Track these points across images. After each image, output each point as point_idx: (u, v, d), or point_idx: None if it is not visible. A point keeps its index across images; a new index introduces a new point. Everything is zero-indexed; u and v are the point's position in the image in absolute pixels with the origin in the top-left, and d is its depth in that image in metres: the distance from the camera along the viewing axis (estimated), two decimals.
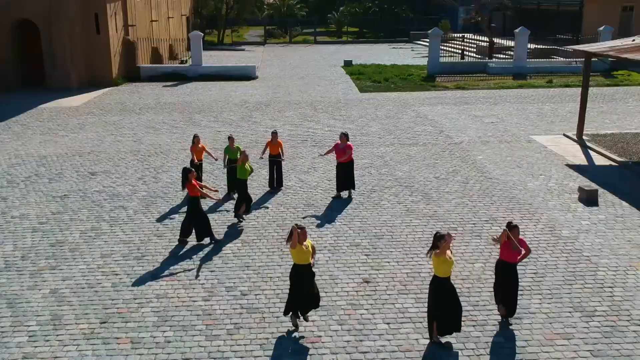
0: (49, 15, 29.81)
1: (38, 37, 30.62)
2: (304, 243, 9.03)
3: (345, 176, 14.91)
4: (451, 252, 8.77)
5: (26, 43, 31.42)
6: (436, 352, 8.75)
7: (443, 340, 8.90)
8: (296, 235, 8.92)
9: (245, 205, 13.63)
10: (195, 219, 12.38)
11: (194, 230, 12.47)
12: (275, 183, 15.76)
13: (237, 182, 13.72)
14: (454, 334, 8.99)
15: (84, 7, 30.61)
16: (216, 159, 16.23)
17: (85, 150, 19.55)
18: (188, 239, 12.51)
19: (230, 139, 15.34)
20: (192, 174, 12.30)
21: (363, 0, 64.59)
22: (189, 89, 31.13)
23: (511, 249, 9.14)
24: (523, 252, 9.27)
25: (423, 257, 11.68)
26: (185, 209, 14.41)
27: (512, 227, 9.07)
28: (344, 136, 14.87)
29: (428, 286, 9.07)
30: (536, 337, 9.07)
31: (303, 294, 9.17)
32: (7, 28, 30.16)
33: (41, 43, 30.50)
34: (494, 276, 9.66)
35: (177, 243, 12.49)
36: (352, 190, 15.19)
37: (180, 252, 12.09)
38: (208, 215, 14.05)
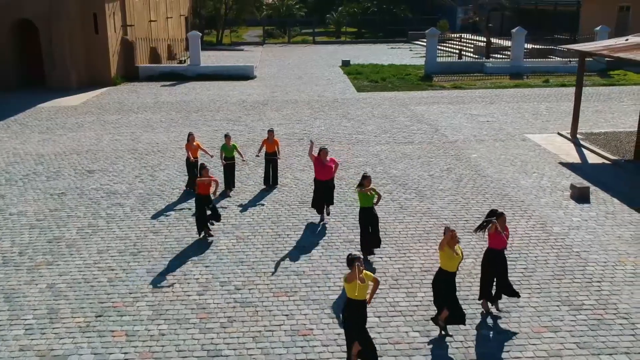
0: (48, 15, 29.97)
1: (38, 37, 30.78)
2: (361, 276, 7.85)
3: (326, 194, 13.36)
4: (459, 247, 8.92)
5: (26, 43, 31.58)
6: (426, 344, 8.91)
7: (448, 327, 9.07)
8: (356, 269, 7.76)
9: (363, 238, 11.61)
10: (198, 213, 12.64)
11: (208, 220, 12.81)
12: (271, 181, 15.92)
13: (359, 212, 11.70)
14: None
15: (83, 7, 30.77)
16: (212, 156, 16.41)
17: (83, 149, 19.71)
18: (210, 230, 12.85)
19: (227, 137, 15.52)
20: (205, 170, 12.42)
21: (362, 1, 64.75)
22: (187, 89, 31.30)
23: (499, 237, 9.35)
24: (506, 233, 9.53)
25: (415, 253, 11.87)
26: (182, 206, 14.63)
27: (499, 215, 9.28)
28: (324, 151, 13.13)
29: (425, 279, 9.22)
30: (524, 329, 9.23)
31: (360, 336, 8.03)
32: (7, 28, 30.31)
33: (40, 43, 30.66)
34: (481, 269, 9.83)
35: (172, 240, 12.65)
36: (331, 206, 13.83)
37: (176, 248, 12.25)
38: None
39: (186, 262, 11.63)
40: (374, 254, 11.71)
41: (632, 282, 10.61)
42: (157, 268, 11.39)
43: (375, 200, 11.58)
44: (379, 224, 11.79)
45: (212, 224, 12.93)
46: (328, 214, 13.62)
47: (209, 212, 12.73)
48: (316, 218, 13.60)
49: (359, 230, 12.91)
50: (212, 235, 12.72)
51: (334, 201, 13.91)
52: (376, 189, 11.73)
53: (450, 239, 8.75)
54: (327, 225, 13.22)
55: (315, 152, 13.44)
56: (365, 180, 11.32)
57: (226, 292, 10.48)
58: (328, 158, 13.18)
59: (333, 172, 13.27)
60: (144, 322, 9.58)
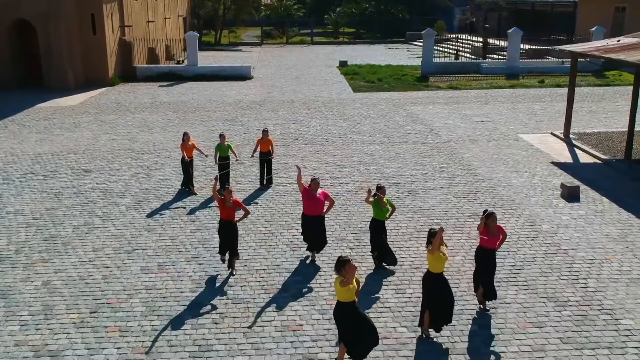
0: (46, 16, 30.13)
1: (36, 37, 30.94)
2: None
3: (314, 233, 11.56)
4: (446, 248, 9.10)
5: (24, 43, 31.75)
6: (412, 339, 9.09)
7: (432, 334, 9.18)
8: (352, 272, 7.90)
9: (376, 252, 11.27)
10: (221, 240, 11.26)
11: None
12: (265, 180, 16.09)
13: (371, 223, 11.28)
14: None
15: (81, 8, 30.95)
16: (207, 155, 16.60)
17: (80, 149, 19.89)
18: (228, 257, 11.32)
19: (222, 136, 15.70)
20: (228, 191, 10.97)
21: (360, 1, 64.95)
22: (184, 89, 31.48)
23: (490, 236, 9.50)
24: (500, 237, 9.64)
25: (405, 251, 12.05)
26: (177, 205, 14.81)
27: (489, 215, 9.44)
28: (315, 182, 11.32)
29: (421, 280, 9.36)
30: (510, 325, 9.41)
31: (357, 333, 8.22)
32: (5, 28, 30.49)
33: (39, 43, 30.83)
34: (474, 264, 9.99)
35: (167, 238, 12.83)
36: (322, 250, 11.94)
37: (170, 246, 12.42)
38: (199, 212, 14.45)
39: (180, 260, 11.80)
40: (385, 268, 11.30)
41: (618, 279, 10.80)
42: (151, 266, 11.56)
43: (388, 214, 11.21)
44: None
45: (224, 261, 11.34)
46: (318, 251, 11.83)
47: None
48: None
49: (351, 229, 13.20)
50: (234, 273, 11.23)
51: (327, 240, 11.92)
52: (391, 201, 11.39)
53: (440, 240, 8.91)
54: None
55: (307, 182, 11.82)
56: (379, 190, 10.94)
57: (218, 289, 10.65)
58: (320, 191, 11.41)
59: (324, 209, 11.50)
60: (137, 318, 9.75)
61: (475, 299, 10.03)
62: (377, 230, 11.19)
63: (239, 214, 11.18)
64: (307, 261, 11.71)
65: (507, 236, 12.25)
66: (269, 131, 16.15)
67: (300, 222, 11.87)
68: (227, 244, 11.11)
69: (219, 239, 11.36)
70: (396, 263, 11.31)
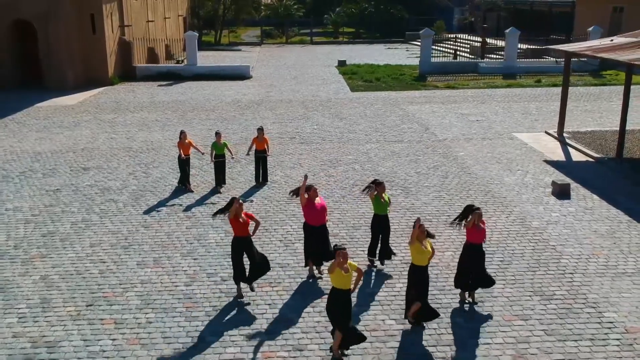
0: (46, 16, 30.38)
1: (36, 37, 31.17)
2: (345, 266, 8.25)
3: (320, 244, 10.93)
4: (429, 242, 9.30)
5: (24, 43, 31.99)
6: (400, 331, 9.32)
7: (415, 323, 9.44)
8: (339, 260, 8.19)
9: (372, 243, 11.37)
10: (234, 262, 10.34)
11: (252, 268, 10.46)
12: (261, 178, 16.33)
13: (373, 219, 11.32)
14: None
15: (80, 8, 31.16)
16: (203, 153, 16.83)
17: (79, 147, 20.13)
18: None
19: (218, 134, 15.93)
20: (238, 204, 10.01)
21: (360, 1, 65.12)
22: (183, 89, 31.71)
23: (477, 231, 9.72)
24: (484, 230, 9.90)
25: (396, 247, 12.23)
26: (173, 202, 15.04)
27: (474, 210, 9.67)
28: (314, 190, 10.83)
29: (404, 271, 9.59)
30: (495, 318, 9.64)
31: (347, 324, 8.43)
32: (5, 28, 30.72)
33: (38, 43, 31.07)
34: (458, 261, 10.19)
35: (163, 234, 13.05)
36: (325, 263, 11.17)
37: (166, 242, 12.65)
38: (195, 209, 14.66)
39: (175, 255, 12.04)
40: (384, 265, 11.41)
41: (603, 273, 11.02)
42: (147, 260, 11.80)
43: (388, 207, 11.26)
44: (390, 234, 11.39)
45: (252, 289, 10.41)
46: (320, 271, 11.21)
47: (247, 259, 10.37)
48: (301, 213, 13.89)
49: (344, 225, 13.44)
50: (243, 295, 10.39)
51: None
52: (389, 196, 11.42)
53: (419, 233, 9.14)
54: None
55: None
56: (378, 186, 11.00)
57: (212, 283, 10.89)
58: (318, 199, 10.92)
59: (326, 217, 11.05)
60: (132, 311, 9.99)
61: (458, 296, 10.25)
62: (377, 225, 11.23)
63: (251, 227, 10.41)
64: (310, 280, 11.02)
65: (498, 233, 12.68)
66: (264, 130, 16.38)
67: (304, 235, 11.11)
68: (254, 263, 10.20)
69: (233, 265, 10.26)
70: (390, 257, 11.48)
